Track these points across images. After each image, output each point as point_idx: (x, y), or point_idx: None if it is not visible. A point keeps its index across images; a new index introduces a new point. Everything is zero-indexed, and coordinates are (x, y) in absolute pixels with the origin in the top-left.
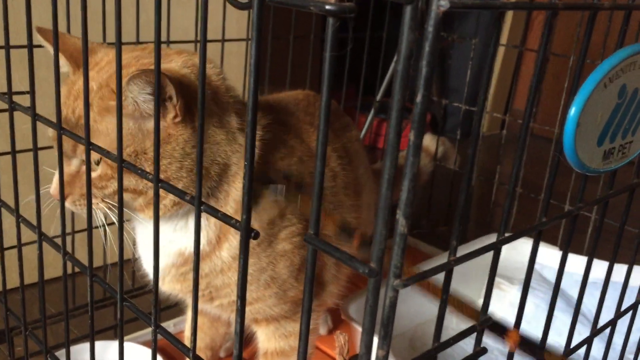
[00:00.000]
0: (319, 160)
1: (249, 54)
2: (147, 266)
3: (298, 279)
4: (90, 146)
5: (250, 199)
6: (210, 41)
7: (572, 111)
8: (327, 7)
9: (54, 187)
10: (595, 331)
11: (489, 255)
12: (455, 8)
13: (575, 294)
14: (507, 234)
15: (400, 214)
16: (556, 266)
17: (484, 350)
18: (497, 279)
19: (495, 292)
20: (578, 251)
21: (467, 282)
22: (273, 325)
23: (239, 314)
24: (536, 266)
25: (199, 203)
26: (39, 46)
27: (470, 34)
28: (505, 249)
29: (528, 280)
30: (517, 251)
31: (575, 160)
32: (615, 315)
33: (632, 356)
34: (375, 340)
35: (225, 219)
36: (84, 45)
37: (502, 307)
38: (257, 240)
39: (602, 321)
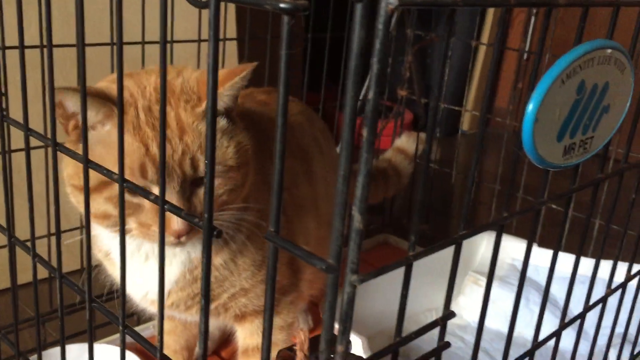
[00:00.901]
0: (278, 159)
1: (210, 53)
2: (137, 293)
3: (281, 266)
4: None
5: (212, 199)
6: (180, 42)
7: (530, 107)
8: (281, 5)
9: (180, 227)
10: (563, 324)
11: (463, 250)
12: (404, 6)
13: (554, 290)
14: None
15: (356, 210)
16: (534, 262)
17: (447, 345)
18: (475, 275)
19: (474, 289)
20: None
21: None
22: (258, 319)
23: (203, 312)
24: (513, 262)
25: (163, 202)
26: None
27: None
28: (484, 246)
29: (492, 271)
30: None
31: (534, 155)
32: (584, 308)
33: (603, 349)
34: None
35: (188, 217)
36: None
37: (480, 303)
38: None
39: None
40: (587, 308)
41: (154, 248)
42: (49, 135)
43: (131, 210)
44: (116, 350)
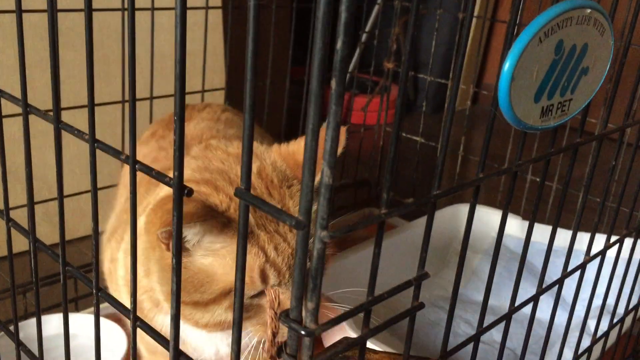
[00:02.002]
0: (247, 114)
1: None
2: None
3: None
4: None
5: (182, 157)
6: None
7: (506, 65)
8: None
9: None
10: (541, 290)
11: (449, 224)
12: None
13: (537, 263)
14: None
15: (325, 164)
16: (518, 235)
17: (421, 305)
18: (458, 248)
19: (458, 261)
20: (542, 221)
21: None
22: None
23: (174, 297)
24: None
25: (134, 162)
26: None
27: (436, 5)
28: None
29: (467, 236)
30: (481, 222)
31: (511, 115)
32: (562, 274)
33: (582, 320)
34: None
35: (158, 176)
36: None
37: (465, 276)
38: None
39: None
40: (566, 275)
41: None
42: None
43: (252, 312)
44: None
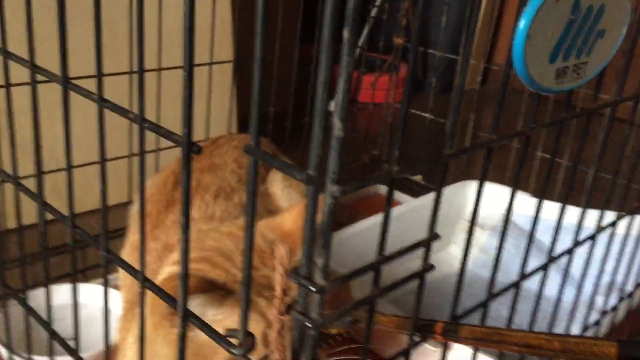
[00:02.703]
0: (256, 72)
1: None
2: None
3: None
4: None
5: (191, 114)
6: None
7: (522, 23)
8: None
9: None
10: (551, 258)
11: (457, 201)
12: None
13: (546, 240)
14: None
15: (336, 117)
16: (528, 213)
17: (431, 267)
18: (467, 224)
19: (465, 238)
20: (552, 198)
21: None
22: None
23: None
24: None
25: (142, 120)
26: None
27: None
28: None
29: (478, 201)
30: (489, 199)
31: (525, 75)
32: (572, 244)
33: (588, 298)
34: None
35: (167, 134)
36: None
37: (473, 253)
38: None
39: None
40: (576, 243)
41: None
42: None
43: None
44: (109, 291)
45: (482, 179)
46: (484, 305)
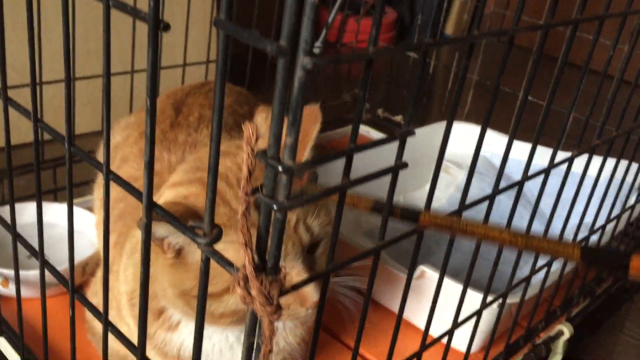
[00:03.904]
0: None
1: None
2: None
3: None
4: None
5: None
6: None
7: None
8: None
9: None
10: (497, 190)
11: (436, 141)
12: None
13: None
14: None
15: None
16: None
17: (405, 165)
18: (445, 163)
19: (443, 177)
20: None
21: (414, 169)
22: None
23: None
24: (486, 154)
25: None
26: None
27: None
28: (459, 137)
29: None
30: (469, 139)
31: None
32: (522, 177)
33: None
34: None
35: (133, 11)
36: None
37: (449, 191)
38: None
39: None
40: (526, 177)
41: (240, 336)
42: None
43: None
44: (81, 212)
45: (462, 78)
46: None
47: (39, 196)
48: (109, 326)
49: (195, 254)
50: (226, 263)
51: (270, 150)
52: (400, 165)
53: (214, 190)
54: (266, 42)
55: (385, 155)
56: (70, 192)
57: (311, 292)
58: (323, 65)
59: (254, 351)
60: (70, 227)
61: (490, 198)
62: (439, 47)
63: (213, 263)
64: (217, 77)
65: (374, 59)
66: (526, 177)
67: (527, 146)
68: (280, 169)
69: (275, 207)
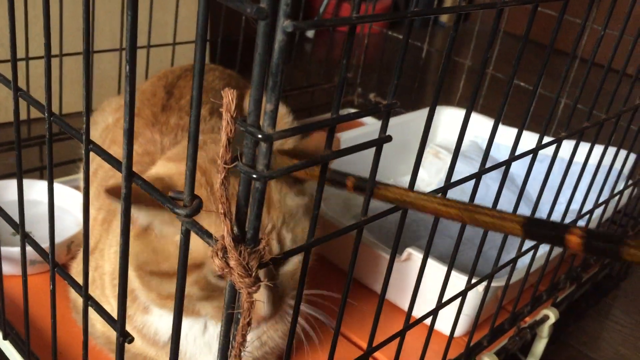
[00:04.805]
0: None
1: None
2: None
3: None
4: None
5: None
6: None
7: None
8: None
9: (268, 313)
10: (483, 169)
11: (432, 126)
12: None
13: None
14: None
15: None
16: (496, 139)
17: (389, 138)
18: (436, 148)
19: (433, 162)
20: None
21: (405, 154)
22: None
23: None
24: (477, 140)
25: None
26: None
27: None
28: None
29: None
30: (457, 123)
31: None
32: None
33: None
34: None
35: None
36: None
37: (439, 176)
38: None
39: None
40: (513, 158)
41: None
42: None
43: (213, 292)
44: (67, 190)
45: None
46: (444, 191)
47: (20, 161)
48: (89, 300)
49: (159, 231)
50: (205, 234)
51: (250, 117)
52: (384, 139)
53: (194, 159)
54: (245, 3)
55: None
56: (50, 154)
57: (265, 308)
58: (305, 30)
59: (232, 324)
60: (50, 197)
61: (477, 176)
62: (470, 10)
63: (175, 241)
64: (197, 39)
65: (356, 24)
66: (513, 157)
67: (513, 130)
68: (259, 136)
69: (254, 176)
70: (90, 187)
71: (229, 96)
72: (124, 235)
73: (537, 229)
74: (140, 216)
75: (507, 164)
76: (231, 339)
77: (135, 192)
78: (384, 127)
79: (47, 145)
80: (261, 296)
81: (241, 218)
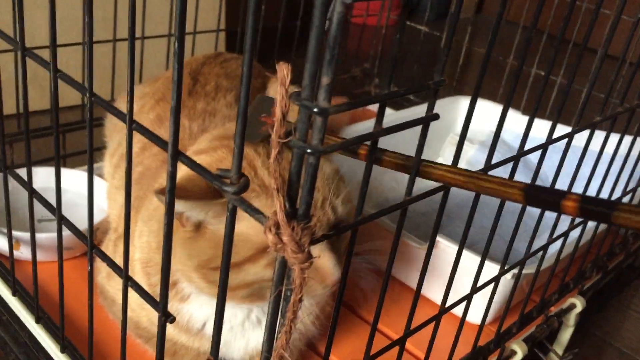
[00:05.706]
0: None
1: None
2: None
3: None
4: None
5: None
6: None
7: None
8: None
9: (337, 277)
10: (519, 154)
11: (448, 115)
12: None
13: (534, 159)
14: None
15: None
16: (517, 130)
17: (436, 116)
18: (455, 138)
19: (453, 151)
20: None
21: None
22: None
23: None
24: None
25: None
26: None
27: None
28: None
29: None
30: (480, 114)
31: None
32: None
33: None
34: None
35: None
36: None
37: (460, 165)
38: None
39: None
40: (521, 153)
41: (264, 309)
42: None
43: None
44: (95, 179)
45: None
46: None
47: (58, 146)
48: (129, 281)
49: (215, 225)
50: (254, 211)
51: (305, 91)
52: (432, 117)
53: (242, 136)
54: None
55: (407, 138)
56: (91, 136)
57: (332, 270)
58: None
59: (281, 301)
60: (90, 180)
61: (515, 159)
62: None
63: (237, 232)
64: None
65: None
66: (548, 141)
67: (540, 122)
68: (315, 110)
69: (309, 150)
70: (117, 176)
71: (283, 70)
72: (168, 215)
73: (537, 193)
74: (192, 212)
75: (544, 147)
76: (279, 317)
77: (182, 188)
78: (431, 106)
79: (87, 128)
80: (329, 262)
81: (293, 194)
